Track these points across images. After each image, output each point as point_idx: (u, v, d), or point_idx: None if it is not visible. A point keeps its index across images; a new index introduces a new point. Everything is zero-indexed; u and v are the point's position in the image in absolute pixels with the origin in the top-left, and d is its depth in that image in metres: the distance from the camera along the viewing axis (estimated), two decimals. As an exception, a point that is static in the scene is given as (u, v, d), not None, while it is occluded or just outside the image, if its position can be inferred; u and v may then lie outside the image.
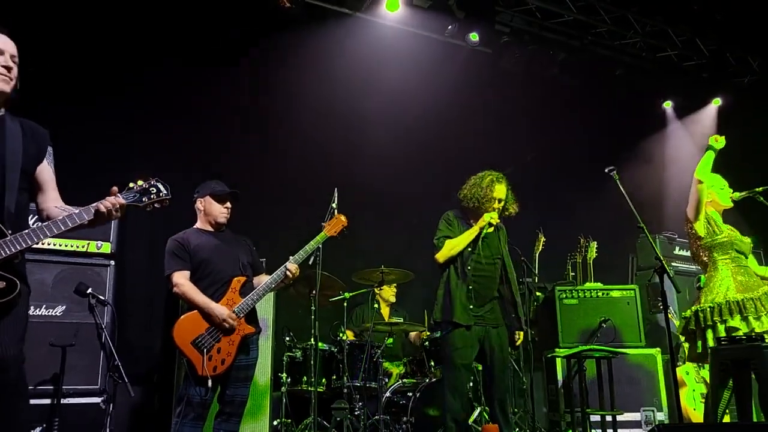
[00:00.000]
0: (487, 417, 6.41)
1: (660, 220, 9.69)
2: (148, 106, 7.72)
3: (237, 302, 4.96)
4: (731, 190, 5.80)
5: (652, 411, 7.27)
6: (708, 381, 5.97)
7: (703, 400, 7.03)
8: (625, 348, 7.31)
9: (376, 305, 7.77)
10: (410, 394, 6.74)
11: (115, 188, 3.44)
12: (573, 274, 8.25)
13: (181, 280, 4.99)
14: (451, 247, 5.84)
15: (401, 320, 7.56)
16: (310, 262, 5.47)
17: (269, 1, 8.23)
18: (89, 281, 5.95)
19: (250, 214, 5.40)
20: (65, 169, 3.79)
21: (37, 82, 3.53)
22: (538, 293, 8.02)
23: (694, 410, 7.20)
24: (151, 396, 7.07)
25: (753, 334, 5.05)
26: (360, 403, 6.70)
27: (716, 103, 11.15)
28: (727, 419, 5.41)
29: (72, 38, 7.11)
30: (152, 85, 7.72)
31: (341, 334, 6.96)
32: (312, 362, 6.30)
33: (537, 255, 8.12)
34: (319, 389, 6.41)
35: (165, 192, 3.61)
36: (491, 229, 5.79)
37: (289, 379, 6.67)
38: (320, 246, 5.46)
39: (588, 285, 7.92)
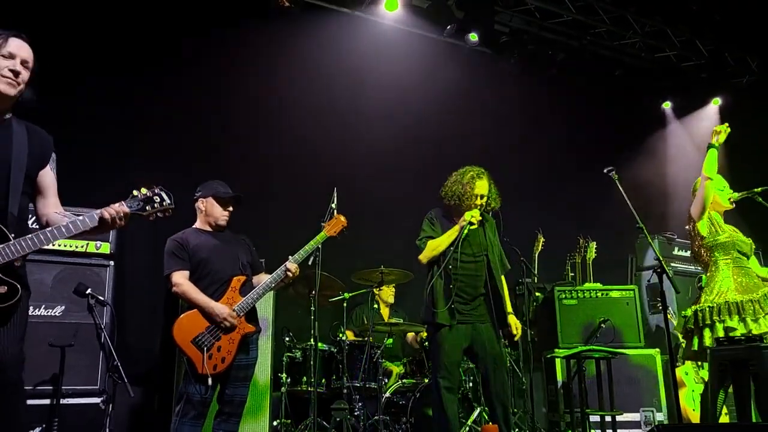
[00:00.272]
0: (486, 417, 6.41)
1: (659, 221, 9.70)
2: (146, 106, 7.71)
3: (237, 301, 4.97)
4: (731, 191, 5.81)
5: (652, 411, 7.27)
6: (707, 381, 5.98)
7: (701, 400, 7.04)
8: (625, 348, 7.30)
9: (375, 305, 7.77)
10: (410, 394, 6.74)
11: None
12: (572, 274, 8.25)
13: (181, 279, 4.99)
14: (433, 247, 5.77)
15: (400, 321, 7.55)
16: (310, 262, 5.48)
17: (269, 1, 8.23)
18: (88, 281, 5.94)
19: (249, 213, 5.40)
20: (64, 170, 3.79)
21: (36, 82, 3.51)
22: (537, 293, 8.03)
23: (694, 411, 7.20)
24: (151, 396, 7.07)
25: (750, 335, 5.06)
26: (360, 404, 6.70)
27: (716, 103, 11.16)
28: (725, 420, 5.42)
29: (68, 36, 7.11)
30: (151, 85, 7.72)
31: (341, 335, 6.96)
32: (312, 362, 6.30)
33: (536, 255, 8.13)
34: (318, 389, 6.40)
35: (168, 201, 3.61)
36: (474, 227, 5.70)
37: (288, 380, 6.67)
38: (320, 246, 5.46)
39: (587, 285, 7.92)
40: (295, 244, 5.37)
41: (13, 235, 3.18)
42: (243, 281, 5.10)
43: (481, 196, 5.82)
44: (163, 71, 7.82)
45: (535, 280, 7.96)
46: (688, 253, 8.44)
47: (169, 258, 5.06)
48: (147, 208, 3.53)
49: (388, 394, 6.82)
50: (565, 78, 10.16)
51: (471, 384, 6.85)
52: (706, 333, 5.45)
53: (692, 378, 7.37)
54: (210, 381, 4.77)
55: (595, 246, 8.21)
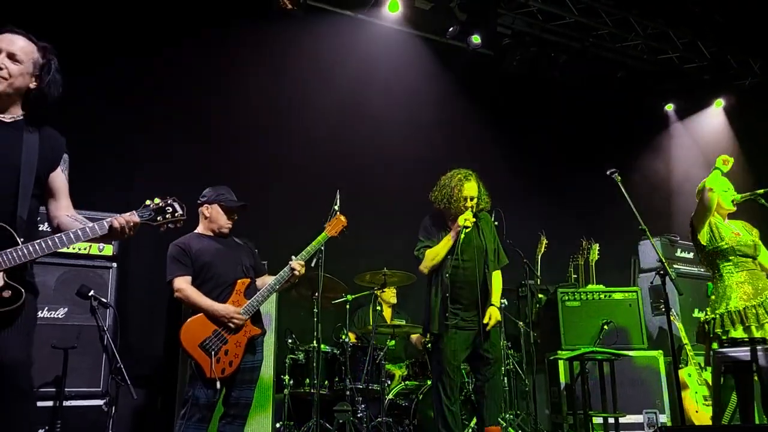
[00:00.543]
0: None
1: (662, 222, 9.68)
2: (147, 107, 7.72)
3: (242, 304, 4.97)
4: (734, 193, 5.81)
5: (655, 413, 7.26)
6: (710, 383, 5.98)
7: (707, 403, 7.03)
8: (628, 350, 7.29)
9: (378, 307, 7.76)
10: (413, 396, 6.74)
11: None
12: (575, 276, 8.25)
13: (183, 285, 4.98)
14: (432, 257, 5.75)
15: (403, 322, 7.55)
16: (312, 264, 5.49)
17: (271, 2, 8.24)
18: (91, 283, 5.94)
19: (252, 216, 5.38)
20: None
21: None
22: (540, 295, 8.01)
23: (697, 412, 7.19)
24: (154, 398, 7.07)
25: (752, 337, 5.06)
26: (362, 406, 6.69)
27: (718, 104, 11.16)
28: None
29: (68, 35, 7.11)
30: (152, 89, 7.73)
31: (344, 336, 6.96)
32: (314, 364, 6.31)
33: (539, 257, 8.12)
34: (321, 391, 6.40)
35: (180, 212, 3.61)
36: (468, 230, 5.67)
37: (291, 381, 6.67)
38: (322, 248, 5.47)
39: (590, 287, 7.92)
40: (298, 246, 5.37)
41: (22, 239, 3.17)
42: (247, 284, 5.10)
43: (471, 198, 5.81)
44: (165, 72, 7.83)
45: (538, 282, 7.96)
46: (691, 255, 8.46)
47: (172, 263, 5.05)
48: (158, 218, 3.53)
49: (391, 396, 6.81)
50: (567, 80, 10.15)
51: (473, 386, 6.85)
52: (714, 346, 5.46)
53: (695, 380, 7.36)
54: (219, 385, 4.78)
55: (598, 248, 8.21)
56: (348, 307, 7.10)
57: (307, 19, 8.60)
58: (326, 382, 6.74)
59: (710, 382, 5.92)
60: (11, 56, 3.31)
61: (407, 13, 9.01)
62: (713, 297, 5.68)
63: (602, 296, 7.71)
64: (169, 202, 3.58)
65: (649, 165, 10.88)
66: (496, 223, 6.08)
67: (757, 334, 5.20)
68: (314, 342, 6.27)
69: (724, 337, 5.36)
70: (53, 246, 3.21)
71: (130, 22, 7.60)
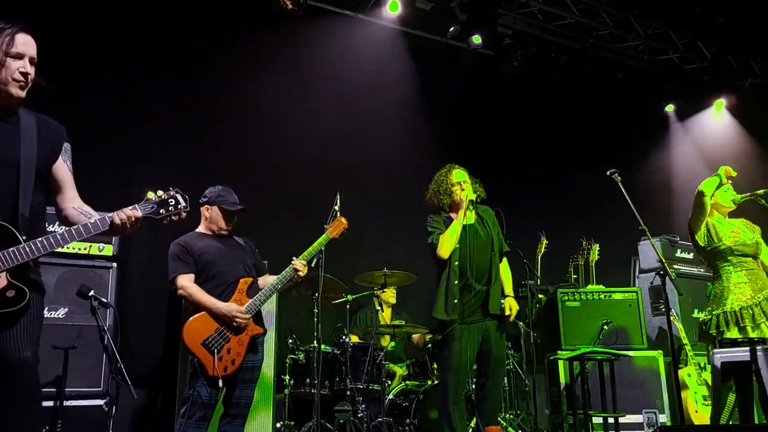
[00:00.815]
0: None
1: (662, 223, 9.68)
2: (150, 107, 7.72)
3: (245, 303, 4.99)
4: (734, 193, 5.82)
5: (654, 413, 7.26)
6: (710, 383, 5.98)
7: (706, 403, 7.04)
8: (627, 350, 7.29)
9: (379, 307, 7.77)
10: (413, 396, 6.74)
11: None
12: (575, 276, 8.25)
13: (187, 282, 5.00)
14: (448, 237, 5.68)
15: (403, 323, 7.55)
16: (313, 264, 5.50)
17: (271, 2, 8.24)
18: (91, 283, 5.96)
19: (251, 215, 5.38)
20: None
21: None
22: (540, 295, 8.01)
23: (696, 412, 7.19)
24: (154, 398, 7.07)
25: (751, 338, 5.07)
26: (363, 406, 6.69)
27: (719, 106, 11.15)
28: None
29: (68, 34, 7.12)
30: (154, 89, 7.74)
31: (344, 337, 6.96)
32: (315, 364, 6.30)
33: (539, 257, 8.12)
34: (321, 391, 6.40)
35: (184, 204, 3.58)
36: (473, 197, 5.73)
37: (291, 381, 6.66)
38: (323, 248, 5.48)
39: (590, 287, 7.92)
40: (297, 246, 5.38)
41: (24, 237, 3.15)
42: (250, 283, 5.12)
43: (463, 182, 5.87)
44: (165, 72, 7.84)
45: (538, 282, 7.96)
46: (691, 255, 8.46)
47: (174, 261, 5.07)
48: (161, 211, 3.51)
49: (391, 396, 6.81)
50: (567, 80, 10.15)
51: (474, 385, 6.85)
52: (711, 347, 5.48)
53: (695, 380, 7.36)
54: (221, 383, 4.79)
55: (598, 248, 8.21)
56: (348, 307, 7.10)
57: (307, 20, 8.59)
58: (327, 382, 6.73)
59: (710, 382, 5.93)
60: (32, 61, 3.31)
61: (408, 13, 9.01)
62: (711, 297, 5.70)
63: (602, 296, 7.71)
64: (171, 194, 3.57)
65: (650, 165, 10.87)
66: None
67: (752, 334, 5.21)
68: (315, 342, 6.26)
69: (718, 338, 5.38)
70: (55, 244, 3.20)
71: (130, 21, 7.60)
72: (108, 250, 6.26)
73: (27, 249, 3.13)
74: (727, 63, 10.69)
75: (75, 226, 3.27)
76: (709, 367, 5.61)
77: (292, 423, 6.60)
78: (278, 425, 6.54)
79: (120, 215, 3.33)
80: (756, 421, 5.11)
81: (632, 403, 7.19)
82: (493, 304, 5.66)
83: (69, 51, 6.89)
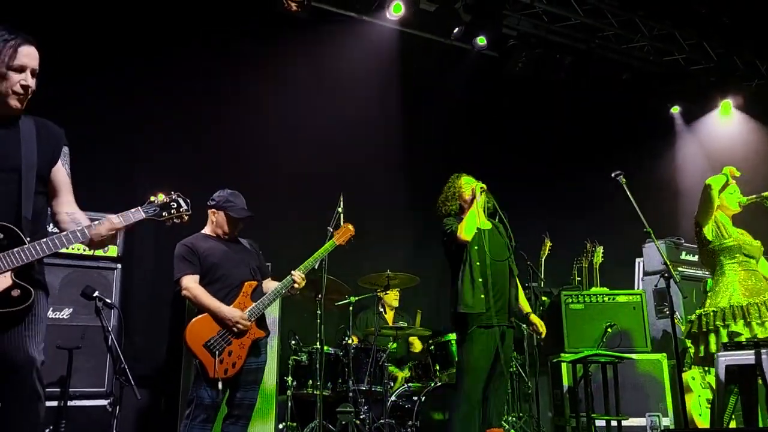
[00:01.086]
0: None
1: (667, 225, 9.67)
2: (149, 109, 7.73)
3: (249, 306, 5.00)
4: (740, 195, 5.81)
5: (658, 416, 7.24)
6: (714, 386, 5.97)
7: (709, 406, 7.02)
8: (631, 353, 7.28)
9: (381, 309, 7.78)
10: (416, 398, 6.74)
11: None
12: (579, 278, 8.24)
13: (192, 284, 5.01)
14: (468, 219, 5.61)
15: (405, 325, 7.56)
16: (316, 266, 5.49)
17: (276, 4, 8.24)
18: (96, 284, 5.99)
19: (256, 217, 5.39)
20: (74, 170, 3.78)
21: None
22: (544, 298, 8.00)
23: (700, 416, 7.18)
24: (158, 398, 7.08)
25: (756, 339, 5.05)
26: (365, 407, 6.70)
27: (725, 106, 11.11)
28: (733, 424, 5.41)
29: (69, 35, 7.14)
30: (155, 89, 7.74)
31: (347, 338, 6.97)
32: (317, 366, 6.30)
33: (543, 260, 8.11)
34: (324, 393, 6.41)
35: (186, 207, 3.64)
36: (485, 188, 5.73)
37: (294, 383, 6.68)
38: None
39: (594, 290, 7.90)
40: (300, 248, 5.40)
41: (28, 239, 3.18)
42: (254, 286, 5.13)
43: (473, 191, 5.81)
44: (167, 72, 7.85)
45: (542, 285, 7.94)
46: (695, 258, 8.43)
47: (180, 262, 5.08)
48: (164, 213, 3.56)
49: (393, 398, 6.81)
50: (572, 81, 10.14)
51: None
52: (712, 339, 5.44)
53: (699, 383, 7.35)
54: (221, 385, 4.80)
55: (602, 250, 8.19)
56: (351, 309, 7.11)
57: (311, 21, 8.59)
58: (329, 384, 6.75)
59: (714, 385, 5.92)
60: (33, 73, 3.32)
61: (412, 14, 8.99)
62: (712, 291, 5.68)
63: (606, 299, 7.69)
64: (173, 197, 3.62)
65: (655, 167, 10.85)
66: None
67: (757, 330, 5.19)
68: (317, 343, 6.26)
69: (723, 330, 5.36)
70: (60, 244, 3.23)
71: (131, 21, 7.60)
72: (113, 251, 6.29)
73: (33, 250, 3.17)
74: (733, 64, 10.66)
75: (64, 233, 3.29)
76: (713, 370, 5.58)
77: (295, 424, 6.61)
78: (281, 426, 6.56)
79: (100, 230, 3.33)
80: (760, 425, 5.11)
81: (635, 406, 7.16)
82: (525, 307, 5.79)
83: (69, 51, 6.89)
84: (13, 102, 3.25)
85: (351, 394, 6.64)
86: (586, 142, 10.31)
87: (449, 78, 9.79)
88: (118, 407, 5.92)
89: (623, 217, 6.33)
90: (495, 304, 5.56)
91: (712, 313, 5.49)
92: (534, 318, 5.88)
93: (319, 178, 8.24)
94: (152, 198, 3.57)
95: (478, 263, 5.59)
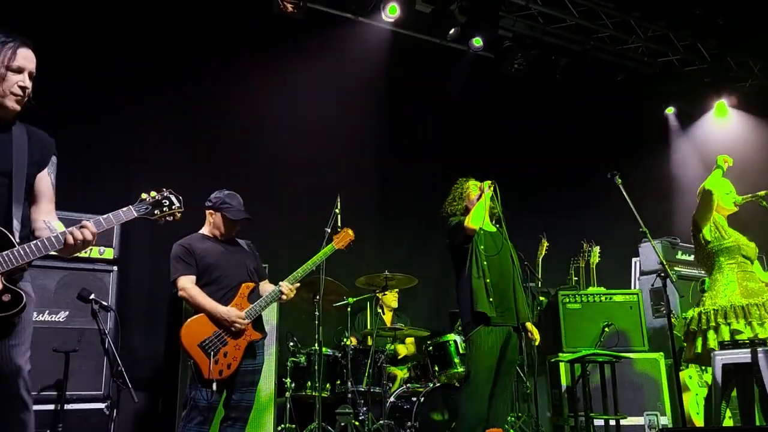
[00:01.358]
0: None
1: (662, 225, 9.69)
2: (145, 110, 7.72)
3: (245, 307, 4.99)
4: (736, 195, 5.82)
5: (656, 415, 7.25)
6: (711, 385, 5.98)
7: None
8: (628, 352, 7.29)
9: (379, 310, 7.78)
10: (414, 398, 6.73)
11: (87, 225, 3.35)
12: (576, 278, 8.24)
13: (188, 284, 5.00)
14: (476, 209, 5.70)
15: (403, 325, 7.55)
16: (314, 269, 5.48)
17: (272, 6, 8.24)
18: (92, 287, 5.94)
19: (253, 217, 5.38)
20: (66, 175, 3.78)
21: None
22: (541, 298, 8.00)
23: (698, 414, 7.19)
24: (155, 401, 7.07)
25: (756, 339, 5.05)
26: (364, 408, 6.70)
27: (719, 107, 11.13)
28: (729, 423, 5.41)
29: (70, 36, 7.13)
30: (150, 90, 7.73)
31: (345, 340, 6.96)
32: (316, 367, 6.30)
33: (540, 260, 8.10)
34: (323, 394, 6.41)
35: (178, 205, 3.60)
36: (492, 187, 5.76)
37: (293, 385, 6.67)
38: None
39: (591, 290, 7.91)
40: (297, 248, 5.40)
41: (18, 242, 3.16)
42: (252, 288, 5.12)
43: (480, 188, 5.88)
44: (163, 74, 7.83)
45: (539, 285, 7.94)
46: (691, 257, 8.43)
47: (176, 262, 5.07)
48: (156, 211, 3.52)
49: (392, 399, 6.81)
50: (567, 82, 10.16)
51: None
52: (711, 335, 5.44)
53: (696, 382, 7.36)
54: (215, 386, 4.79)
55: (598, 250, 8.20)
56: (349, 310, 7.10)
57: (307, 22, 8.59)
58: (328, 385, 6.74)
59: (710, 384, 5.93)
60: (31, 75, 3.33)
61: (408, 15, 9.00)
62: (710, 290, 5.68)
63: (603, 298, 7.70)
64: (165, 194, 3.58)
65: (650, 167, 10.86)
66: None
67: (758, 330, 5.20)
68: (316, 345, 6.26)
69: (725, 328, 5.36)
70: (50, 246, 3.20)
71: (126, 23, 7.58)
72: (109, 253, 6.26)
73: (22, 252, 3.14)
74: (727, 64, 10.69)
75: (48, 237, 3.25)
76: (710, 369, 5.58)
77: (294, 426, 6.60)
78: (279, 428, 6.55)
79: (75, 234, 3.27)
80: (757, 423, 5.11)
81: (633, 405, 7.18)
82: (523, 313, 5.75)
83: (65, 52, 6.87)
84: (11, 103, 3.25)
85: (350, 396, 6.64)
86: (582, 143, 10.31)
87: (445, 79, 9.80)
88: (115, 410, 5.89)
89: (619, 217, 6.34)
90: (501, 304, 5.62)
91: (712, 311, 5.49)
92: (529, 326, 5.96)
93: (316, 179, 8.24)
94: (144, 196, 3.53)
95: (485, 262, 5.62)
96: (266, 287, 5.35)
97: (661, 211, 10.23)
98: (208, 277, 5.07)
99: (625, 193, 5.59)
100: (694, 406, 7.23)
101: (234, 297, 5.01)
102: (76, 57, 7.12)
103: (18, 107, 3.29)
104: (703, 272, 6.76)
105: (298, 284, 5.27)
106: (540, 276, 7.91)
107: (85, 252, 6.08)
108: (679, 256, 8.63)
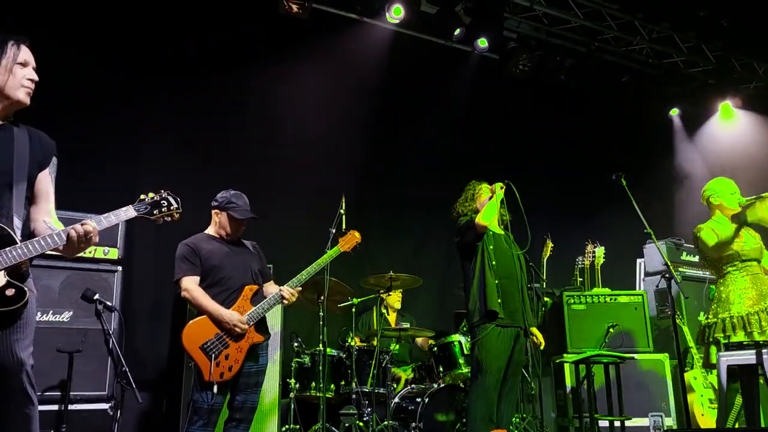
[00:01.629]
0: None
1: (667, 226, 9.69)
2: (152, 113, 7.72)
3: (248, 310, 4.97)
4: (740, 196, 5.82)
5: (661, 416, 7.24)
6: (716, 386, 5.97)
7: (713, 406, 7.02)
8: (633, 353, 7.28)
9: (384, 310, 7.77)
10: (419, 399, 6.72)
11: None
12: (581, 279, 8.24)
13: (191, 285, 4.98)
14: (487, 206, 5.81)
15: (408, 326, 7.55)
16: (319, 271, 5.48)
17: (277, 6, 8.24)
18: (96, 287, 5.95)
19: (258, 218, 5.37)
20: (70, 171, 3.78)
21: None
22: (546, 299, 7.99)
23: (702, 415, 7.17)
24: (159, 402, 7.07)
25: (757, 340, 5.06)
26: (368, 409, 6.69)
27: (724, 108, 11.11)
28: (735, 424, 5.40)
29: (70, 36, 7.14)
30: (156, 93, 7.73)
31: (350, 340, 6.95)
32: (320, 368, 6.30)
33: (545, 261, 8.10)
34: (327, 395, 6.40)
35: (176, 205, 3.64)
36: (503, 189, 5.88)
37: (297, 385, 6.66)
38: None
39: (596, 290, 7.90)
40: (303, 249, 5.38)
41: (20, 238, 3.18)
42: (255, 291, 5.10)
43: (492, 190, 5.98)
44: (166, 74, 7.82)
45: (544, 286, 7.93)
46: (696, 258, 8.44)
47: (181, 263, 5.06)
48: (154, 212, 3.55)
49: (397, 400, 6.80)
50: (572, 84, 10.15)
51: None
52: (713, 350, 5.49)
53: (701, 383, 7.34)
54: (215, 389, 4.77)
55: (603, 251, 8.19)
56: (354, 310, 7.10)
57: (312, 23, 8.59)
58: (332, 386, 6.73)
59: (716, 385, 5.92)
60: (34, 69, 3.42)
61: (413, 16, 9.00)
62: (716, 300, 5.69)
63: (608, 299, 7.70)
64: (163, 195, 3.62)
65: (654, 168, 10.86)
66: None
67: (759, 339, 5.20)
68: (320, 345, 6.25)
69: (724, 342, 5.37)
70: (52, 243, 3.21)
71: (128, 23, 7.59)
72: (113, 253, 6.26)
73: (25, 248, 3.15)
74: (732, 66, 10.68)
75: (50, 234, 3.25)
76: (714, 370, 5.59)
77: (298, 427, 6.58)
78: (284, 429, 6.54)
79: (77, 229, 3.27)
80: (762, 424, 5.10)
81: (638, 406, 7.17)
82: (529, 318, 5.82)
83: (65, 52, 6.88)
84: (23, 95, 3.34)
85: (354, 396, 6.62)
86: (586, 144, 10.32)
87: (450, 80, 9.80)
88: (119, 411, 5.88)
89: (624, 218, 6.35)
90: (508, 305, 5.67)
91: (714, 325, 5.52)
92: (534, 330, 6.00)
93: (320, 179, 8.23)
94: (143, 196, 3.57)
95: (494, 263, 5.66)
96: (271, 288, 5.34)
97: (665, 212, 10.25)
98: (212, 278, 5.05)
99: (629, 194, 5.59)
100: (699, 408, 7.22)
101: (237, 299, 5.00)
102: (76, 57, 7.12)
103: (28, 100, 3.37)
104: (707, 273, 6.77)
105: (300, 288, 5.26)
106: (545, 277, 7.90)
107: (89, 252, 6.09)
108: (684, 257, 8.63)
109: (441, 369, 6.96)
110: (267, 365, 5.24)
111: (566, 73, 10.00)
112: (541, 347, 6.14)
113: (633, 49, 10.23)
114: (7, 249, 3.12)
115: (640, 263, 9.05)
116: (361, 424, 6.49)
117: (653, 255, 8.49)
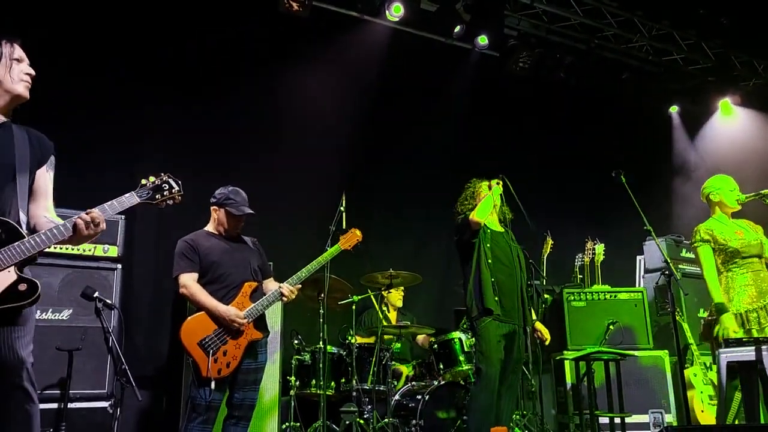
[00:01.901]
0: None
1: (667, 223, 9.70)
2: (151, 110, 7.71)
3: (247, 306, 4.96)
4: (739, 193, 5.81)
5: (660, 413, 7.24)
6: (716, 383, 5.97)
7: (713, 402, 7.02)
8: (633, 350, 7.29)
9: (384, 308, 7.77)
10: (419, 396, 6.72)
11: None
12: (581, 276, 8.25)
13: (189, 281, 4.98)
14: (483, 203, 5.82)
15: (408, 323, 7.54)
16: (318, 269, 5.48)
17: (276, 3, 8.24)
18: (96, 285, 5.93)
19: (257, 214, 5.37)
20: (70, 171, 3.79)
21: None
22: (546, 295, 7.99)
23: (702, 412, 7.18)
24: (159, 400, 7.07)
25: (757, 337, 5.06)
26: (369, 407, 6.69)
27: (723, 105, 11.12)
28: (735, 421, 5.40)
29: (71, 34, 7.13)
30: (156, 90, 7.72)
31: (350, 338, 6.95)
32: (321, 365, 6.29)
33: (545, 257, 8.11)
34: (328, 392, 6.39)
35: (177, 188, 3.67)
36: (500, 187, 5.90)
37: (297, 383, 6.65)
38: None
39: (596, 287, 7.92)
40: (303, 247, 5.37)
41: (26, 232, 3.20)
42: (254, 287, 5.09)
43: (489, 186, 5.99)
44: (165, 72, 7.82)
45: (544, 283, 7.92)
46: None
47: (179, 259, 5.06)
48: (156, 196, 3.59)
49: (397, 397, 6.80)
50: (572, 81, 10.15)
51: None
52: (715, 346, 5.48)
53: (701, 379, 7.35)
54: (213, 385, 4.76)
55: (603, 248, 8.19)
56: (354, 308, 7.09)
57: (312, 21, 8.58)
58: (332, 383, 6.73)
59: (716, 382, 5.92)
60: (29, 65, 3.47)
61: (413, 14, 8.99)
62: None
63: (608, 296, 7.71)
64: (164, 179, 3.66)
65: (653, 165, 10.86)
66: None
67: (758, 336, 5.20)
68: (320, 343, 6.25)
69: (723, 338, 5.37)
70: (59, 235, 3.24)
71: (128, 21, 7.58)
72: (113, 251, 6.25)
73: (33, 242, 3.17)
74: (731, 63, 10.68)
75: (57, 226, 3.28)
76: (714, 366, 5.59)
77: (298, 424, 6.58)
78: (284, 426, 6.54)
79: (83, 217, 3.30)
80: (762, 421, 5.10)
81: (638, 403, 7.17)
82: (528, 317, 5.88)
83: (65, 52, 6.90)
84: (22, 89, 3.40)
85: (354, 394, 6.62)
86: (586, 141, 10.32)
87: (450, 77, 9.79)
88: (119, 409, 5.87)
89: (623, 215, 6.35)
90: (506, 303, 5.70)
91: (713, 322, 5.53)
92: (539, 325, 6.07)
93: (322, 176, 8.22)
94: (143, 181, 3.59)
95: (490, 261, 5.69)
96: (271, 285, 5.34)
97: (665, 209, 10.24)
98: (211, 275, 5.05)
99: (629, 191, 5.59)
100: (699, 404, 7.22)
101: (236, 296, 4.99)
102: (76, 57, 7.12)
103: (27, 93, 3.42)
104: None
105: (300, 285, 5.26)
106: (545, 274, 7.91)
107: (89, 250, 6.09)
108: (684, 253, 8.64)
109: (441, 366, 6.96)
110: (266, 363, 5.23)
111: (566, 70, 10.01)
112: (547, 342, 6.17)
113: (633, 46, 10.23)
114: (16, 244, 3.14)
115: (639, 260, 9.06)
116: (361, 421, 6.48)
117: (653, 252, 8.51)
